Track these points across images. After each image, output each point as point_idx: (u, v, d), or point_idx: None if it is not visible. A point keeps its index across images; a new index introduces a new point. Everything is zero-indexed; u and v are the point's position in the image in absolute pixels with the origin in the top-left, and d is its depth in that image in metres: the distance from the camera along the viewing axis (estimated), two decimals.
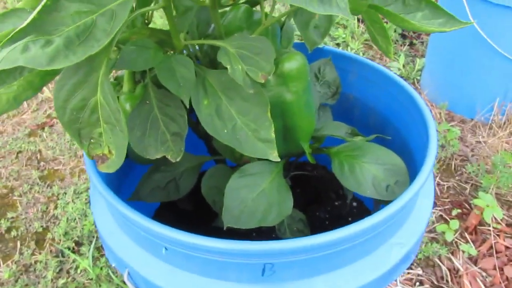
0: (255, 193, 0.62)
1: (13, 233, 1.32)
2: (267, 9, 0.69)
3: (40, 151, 1.58)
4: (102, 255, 1.24)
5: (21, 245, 1.29)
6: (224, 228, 0.58)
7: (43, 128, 1.67)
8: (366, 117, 0.88)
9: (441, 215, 1.41)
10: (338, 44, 2.06)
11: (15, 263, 1.24)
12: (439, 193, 1.48)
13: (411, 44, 2.08)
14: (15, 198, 1.42)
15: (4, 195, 1.44)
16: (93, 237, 1.29)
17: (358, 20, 2.22)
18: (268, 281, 0.55)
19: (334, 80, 0.82)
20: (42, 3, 0.49)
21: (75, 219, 1.34)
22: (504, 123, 1.68)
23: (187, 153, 0.77)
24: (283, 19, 0.74)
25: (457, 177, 1.54)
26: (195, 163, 0.75)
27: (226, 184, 0.64)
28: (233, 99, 0.61)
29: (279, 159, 0.59)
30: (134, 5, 0.67)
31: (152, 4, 0.61)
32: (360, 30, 2.13)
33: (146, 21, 0.74)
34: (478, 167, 1.52)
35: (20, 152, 1.58)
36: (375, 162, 0.64)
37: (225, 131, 0.60)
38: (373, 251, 0.59)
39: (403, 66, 1.92)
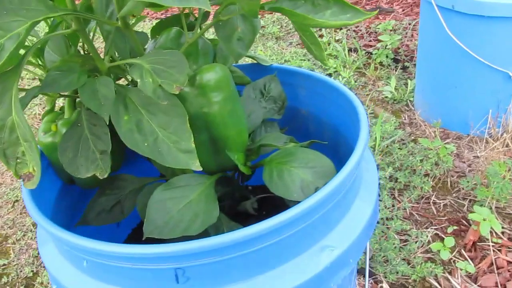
0: (181, 204, 0.61)
1: (4, 279, 1.33)
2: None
3: None
4: None
5: None
6: (143, 238, 0.57)
7: None
8: (321, 131, 0.88)
9: (436, 234, 1.36)
10: (330, 74, 2.07)
11: None
12: (435, 212, 1.43)
13: (404, 68, 2.08)
14: (8, 245, 1.45)
15: None
16: None
17: (350, 50, 2.24)
18: None
19: (279, 95, 0.83)
20: None
21: None
22: (502, 134, 1.63)
23: (131, 175, 0.78)
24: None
25: (454, 194, 1.49)
26: (138, 184, 0.75)
27: None
28: (154, 114, 0.62)
29: (200, 169, 0.59)
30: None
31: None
32: (351, 59, 2.14)
33: (86, 52, 0.77)
34: (474, 182, 1.47)
35: (16, 201, 1.61)
36: (305, 166, 0.63)
37: (146, 144, 0.60)
38: (300, 254, 0.58)
39: (395, 89, 1.91)
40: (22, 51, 0.56)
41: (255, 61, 0.89)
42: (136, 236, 0.94)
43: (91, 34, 0.75)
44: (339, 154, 0.83)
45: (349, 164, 0.59)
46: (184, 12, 0.78)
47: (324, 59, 0.75)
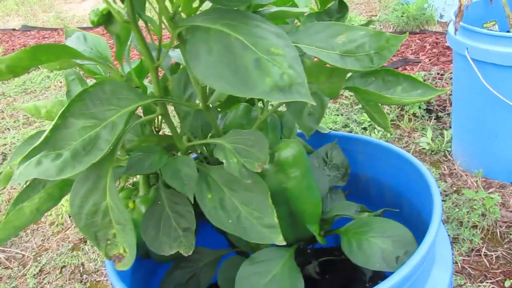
0: (266, 279, 0.63)
1: None
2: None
3: (83, 264, 1.63)
4: None
5: None
6: None
7: (85, 242, 1.73)
8: (382, 194, 0.89)
9: None
10: (365, 128, 2.09)
11: None
12: (488, 265, 1.41)
13: (438, 118, 2.09)
14: None
15: None
16: None
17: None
18: None
19: (342, 162, 0.85)
20: (53, 122, 0.56)
21: None
22: None
23: (205, 248, 0.79)
24: (281, 110, 0.79)
25: (505, 246, 1.47)
26: (213, 257, 0.76)
27: None
28: (236, 191, 0.64)
29: (284, 243, 0.60)
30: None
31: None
32: (385, 111, 2.17)
33: (156, 129, 0.81)
34: None
35: (64, 266, 1.63)
36: (382, 236, 0.64)
37: (230, 221, 0.62)
38: None
39: (432, 140, 1.92)
40: None
41: None
42: None
43: None
44: (402, 215, 0.84)
45: (431, 231, 0.60)
46: None
47: (388, 127, 0.77)
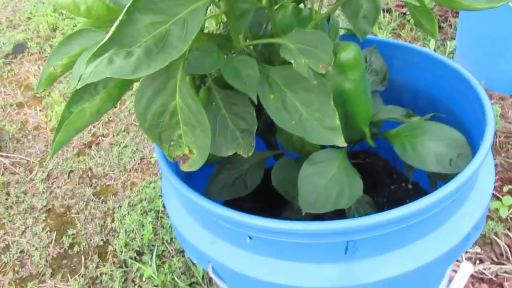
0: (326, 178, 0.65)
1: (76, 248, 1.37)
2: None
3: (90, 168, 1.64)
4: (164, 262, 1.29)
5: (85, 259, 1.35)
6: (303, 214, 0.61)
7: (90, 147, 1.73)
8: (416, 100, 0.90)
9: (492, 193, 1.41)
10: None
11: (82, 276, 1.30)
12: None
13: (440, 28, 2.08)
14: (73, 215, 1.49)
15: (62, 213, 1.50)
16: (153, 245, 1.34)
17: (383, 10, 2.23)
18: (350, 259, 0.58)
19: (381, 67, 0.85)
20: (119, 18, 0.53)
21: (133, 230, 1.39)
22: None
23: None
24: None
25: (503, 154, 1.54)
26: (259, 158, 0.78)
27: (294, 174, 0.67)
28: (296, 92, 0.64)
29: (345, 145, 0.62)
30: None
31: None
32: (386, 20, 2.14)
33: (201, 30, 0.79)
34: None
35: (71, 171, 1.64)
36: (436, 139, 0.67)
37: (293, 122, 0.63)
38: (445, 223, 0.62)
39: (434, 50, 1.92)
40: None
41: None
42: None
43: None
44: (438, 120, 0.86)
45: (484, 146, 0.61)
46: None
47: (435, 32, 0.77)
